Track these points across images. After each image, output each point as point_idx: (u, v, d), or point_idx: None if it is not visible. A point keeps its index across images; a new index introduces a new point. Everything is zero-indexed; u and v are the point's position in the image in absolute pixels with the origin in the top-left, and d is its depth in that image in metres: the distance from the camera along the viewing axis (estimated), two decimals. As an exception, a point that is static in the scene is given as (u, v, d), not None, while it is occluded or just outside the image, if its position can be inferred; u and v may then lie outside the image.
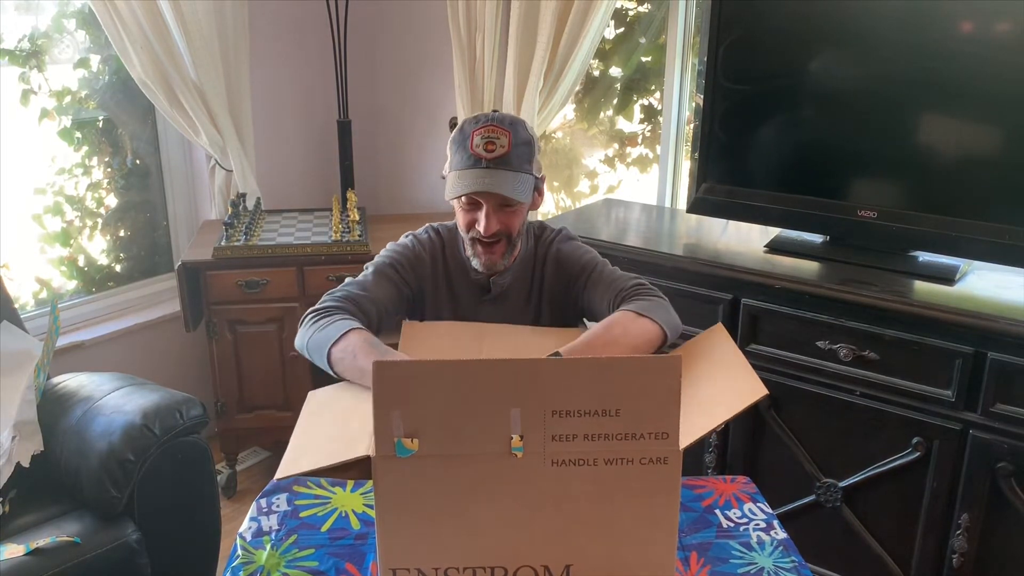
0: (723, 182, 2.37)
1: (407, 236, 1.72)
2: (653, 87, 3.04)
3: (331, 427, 1.38)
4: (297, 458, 1.29)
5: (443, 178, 1.64)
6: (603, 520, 1.13)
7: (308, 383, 2.81)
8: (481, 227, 1.54)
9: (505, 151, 1.51)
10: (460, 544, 1.13)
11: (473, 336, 1.49)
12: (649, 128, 3.09)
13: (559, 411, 1.07)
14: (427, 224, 1.74)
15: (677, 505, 1.14)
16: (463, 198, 1.55)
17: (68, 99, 2.86)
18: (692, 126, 2.61)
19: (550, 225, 1.76)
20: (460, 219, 1.59)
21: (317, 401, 1.48)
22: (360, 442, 1.24)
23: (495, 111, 1.63)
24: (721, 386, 1.26)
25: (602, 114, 3.23)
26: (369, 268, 1.67)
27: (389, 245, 1.72)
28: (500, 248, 1.58)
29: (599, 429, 1.08)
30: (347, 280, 1.65)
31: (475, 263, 1.62)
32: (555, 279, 1.69)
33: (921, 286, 2.04)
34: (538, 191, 1.64)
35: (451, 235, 1.72)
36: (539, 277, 1.69)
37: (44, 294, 2.86)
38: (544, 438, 1.08)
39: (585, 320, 1.75)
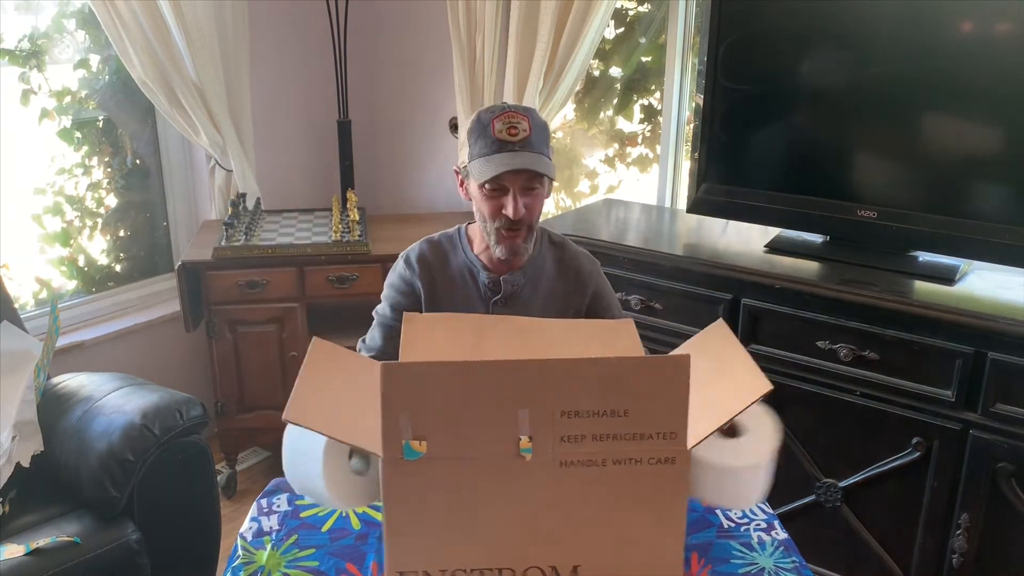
0: (723, 182, 2.37)
1: (400, 258, 1.72)
2: (653, 87, 3.04)
3: (342, 396, 1.36)
4: (306, 411, 1.24)
5: (456, 171, 1.67)
6: (611, 521, 1.13)
7: (308, 383, 2.81)
8: (510, 211, 1.55)
9: (528, 134, 1.55)
10: (468, 546, 1.13)
11: (474, 328, 1.47)
12: (649, 128, 3.09)
13: (567, 412, 1.07)
14: (423, 238, 1.74)
15: (685, 505, 1.14)
16: (487, 186, 1.56)
17: (68, 99, 2.85)
18: (692, 126, 2.61)
19: (569, 240, 1.77)
20: (485, 208, 1.59)
21: (324, 354, 1.44)
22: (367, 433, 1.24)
23: (504, 103, 1.66)
24: (726, 384, 1.26)
25: (602, 114, 3.23)
26: (374, 318, 1.73)
27: (387, 278, 1.74)
28: (523, 233, 1.60)
29: (607, 430, 1.08)
30: (359, 344, 1.71)
31: (498, 252, 1.62)
32: (585, 301, 1.70)
33: (921, 286, 2.04)
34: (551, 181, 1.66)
35: (451, 242, 1.71)
36: (556, 286, 1.69)
37: (44, 294, 2.86)
38: (553, 439, 1.09)
39: None
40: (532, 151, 1.54)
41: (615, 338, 1.42)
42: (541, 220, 1.77)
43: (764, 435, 1.28)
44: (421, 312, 1.68)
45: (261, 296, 2.69)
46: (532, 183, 1.56)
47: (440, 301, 1.68)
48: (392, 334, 1.66)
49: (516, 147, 1.53)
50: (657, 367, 1.10)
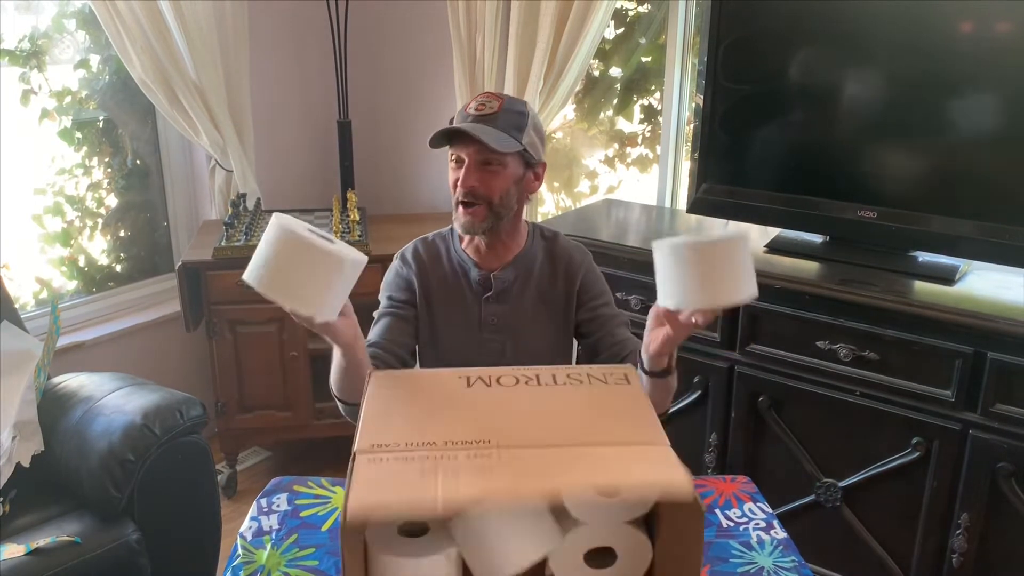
0: (723, 182, 2.37)
1: (396, 258, 1.74)
2: (653, 87, 3.04)
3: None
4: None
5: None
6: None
7: (308, 383, 2.81)
8: (460, 179, 1.57)
9: (495, 111, 1.56)
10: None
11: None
12: (649, 128, 3.09)
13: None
14: (417, 237, 1.75)
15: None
16: (454, 158, 1.59)
17: (68, 99, 2.86)
18: (692, 126, 2.61)
19: (562, 233, 1.76)
20: (450, 180, 1.62)
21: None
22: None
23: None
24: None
25: (602, 114, 3.23)
26: (376, 314, 1.71)
27: (384, 279, 1.75)
28: (480, 212, 1.58)
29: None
30: (368, 335, 1.69)
31: (457, 225, 1.64)
32: (575, 291, 1.70)
33: (921, 286, 2.04)
34: (534, 173, 1.65)
35: (444, 240, 1.73)
36: (547, 279, 1.69)
37: (44, 294, 2.86)
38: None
39: (577, 340, 1.76)
40: (491, 125, 1.55)
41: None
42: (541, 220, 1.77)
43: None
44: (416, 306, 1.69)
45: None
46: (486, 157, 1.55)
47: (434, 297, 1.69)
48: (390, 324, 1.67)
49: (476, 119, 1.55)
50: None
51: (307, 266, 1.27)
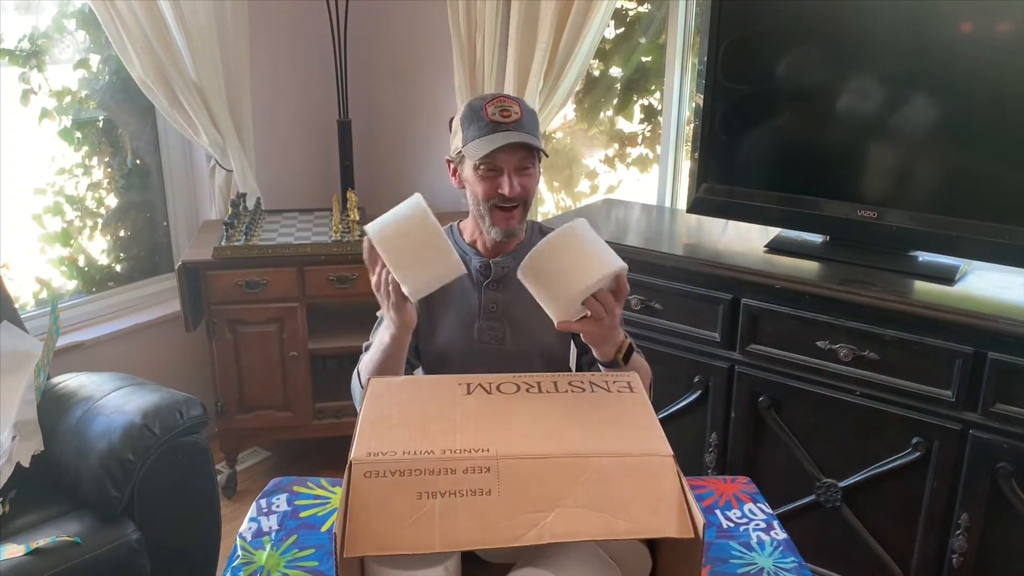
0: (723, 182, 2.37)
1: None
2: (653, 87, 3.04)
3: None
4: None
5: (448, 161, 1.69)
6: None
7: (308, 383, 2.82)
8: (505, 189, 1.59)
9: (519, 116, 1.60)
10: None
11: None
12: (649, 128, 3.09)
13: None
14: None
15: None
16: (481, 168, 1.60)
17: (68, 99, 2.86)
18: (692, 126, 2.61)
19: (551, 227, 1.78)
20: (479, 189, 1.63)
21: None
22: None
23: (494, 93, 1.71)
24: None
25: (602, 114, 3.23)
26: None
27: None
28: (518, 213, 1.64)
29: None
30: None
31: (493, 233, 1.66)
32: None
33: (921, 286, 2.04)
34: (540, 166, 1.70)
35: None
36: None
37: (44, 294, 2.86)
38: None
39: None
40: (523, 131, 1.58)
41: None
42: (542, 220, 1.78)
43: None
44: (415, 303, 1.70)
45: (261, 296, 2.69)
46: (525, 162, 1.60)
47: (432, 291, 1.70)
48: None
49: (509, 127, 1.58)
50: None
51: (428, 252, 1.35)
